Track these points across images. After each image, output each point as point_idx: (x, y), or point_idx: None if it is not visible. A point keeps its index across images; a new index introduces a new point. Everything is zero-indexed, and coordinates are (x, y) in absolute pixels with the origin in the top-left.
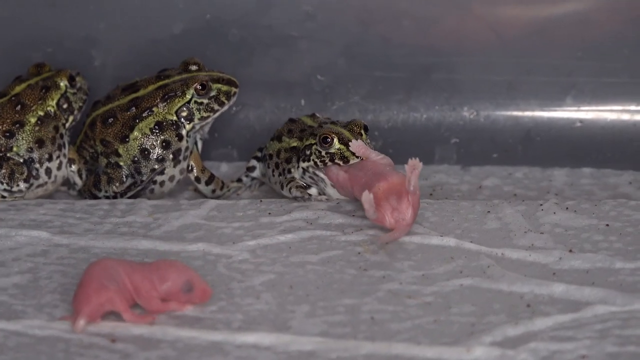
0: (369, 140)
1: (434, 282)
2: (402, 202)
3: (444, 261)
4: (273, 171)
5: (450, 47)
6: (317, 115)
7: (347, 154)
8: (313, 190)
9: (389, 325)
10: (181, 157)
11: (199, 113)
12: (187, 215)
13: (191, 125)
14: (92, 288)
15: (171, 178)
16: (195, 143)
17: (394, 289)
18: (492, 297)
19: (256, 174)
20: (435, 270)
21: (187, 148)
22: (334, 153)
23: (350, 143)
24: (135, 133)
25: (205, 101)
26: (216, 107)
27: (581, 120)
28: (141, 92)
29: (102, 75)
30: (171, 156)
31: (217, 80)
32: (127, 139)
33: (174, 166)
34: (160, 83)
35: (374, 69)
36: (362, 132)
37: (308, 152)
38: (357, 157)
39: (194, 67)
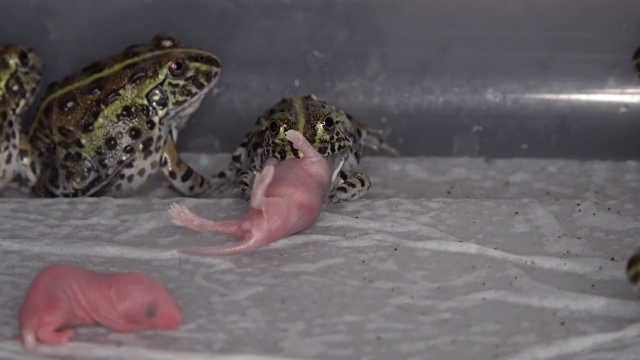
0: (327, 137)
1: (452, 296)
2: (259, 213)
3: (464, 271)
4: (246, 159)
5: (471, 18)
6: (313, 97)
7: (286, 148)
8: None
9: (398, 347)
10: (152, 148)
11: (174, 97)
12: (159, 217)
13: (165, 111)
14: (37, 298)
15: (141, 172)
16: (170, 132)
17: (405, 303)
18: (520, 313)
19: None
20: (453, 282)
21: (159, 137)
22: (276, 144)
23: (287, 132)
24: (100, 120)
25: (181, 83)
26: (194, 89)
27: (626, 105)
28: (105, 72)
29: (59, 51)
30: (141, 146)
31: (195, 58)
32: (90, 127)
33: (145, 158)
34: (128, 61)
35: (381, 43)
36: (320, 125)
37: (265, 137)
38: (295, 154)
39: (167, 43)
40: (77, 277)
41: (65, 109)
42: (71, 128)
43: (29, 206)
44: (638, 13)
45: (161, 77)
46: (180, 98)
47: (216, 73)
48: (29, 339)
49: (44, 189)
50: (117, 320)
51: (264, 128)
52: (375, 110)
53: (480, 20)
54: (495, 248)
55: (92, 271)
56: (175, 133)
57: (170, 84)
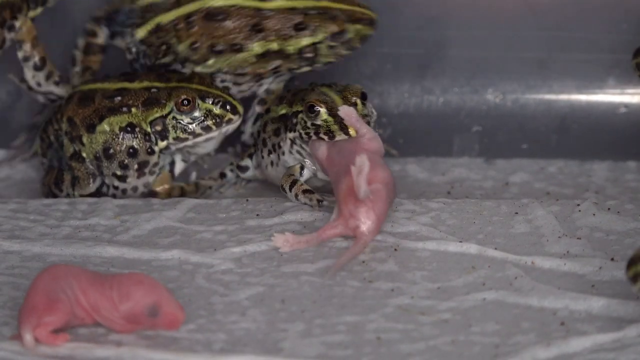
0: (366, 112)
1: (452, 297)
2: (360, 205)
3: (464, 271)
4: (262, 151)
5: (471, 18)
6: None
7: (333, 127)
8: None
9: (398, 347)
10: (147, 170)
11: (175, 132)
12: (159, 217)
13: (165, 143)
14: (37, 299)
15: (134, 189)
16: (173, 163)
17: (405, 304)
18: (520, 313)
19: (249, 173)
20: (453, 283)
21: (156, 164)
22: (319, 125)
23: (339, 108)
24: (105, 126)
25: (185, 120)
26: (198, 130)
27: (626, 105)
28: (133, 85)
29: (60, 51)
30: (136, 166)
31: (211, 100)
32: (93, 128)
33: (138, 177)
34: (155, 84)
35: (381, 43)
36: (358, 101)
37: (294, 121)
38: (346, 134)
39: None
40: (77, 278)
41: (82, 103)
42: (77, 122)
43: (29, 206)
44: (638, 13)
45: (167, 109)
46: (181, 135)
47: (230, 120)
48: (27, 337)
49: (48, 188)
50: (118, 320)
51: (282, 112)
52: (376, 111)
53: (480, 20)
54: (495, 248)
55: (93, 271)
56: (180, 166)
57: (174, 118)
